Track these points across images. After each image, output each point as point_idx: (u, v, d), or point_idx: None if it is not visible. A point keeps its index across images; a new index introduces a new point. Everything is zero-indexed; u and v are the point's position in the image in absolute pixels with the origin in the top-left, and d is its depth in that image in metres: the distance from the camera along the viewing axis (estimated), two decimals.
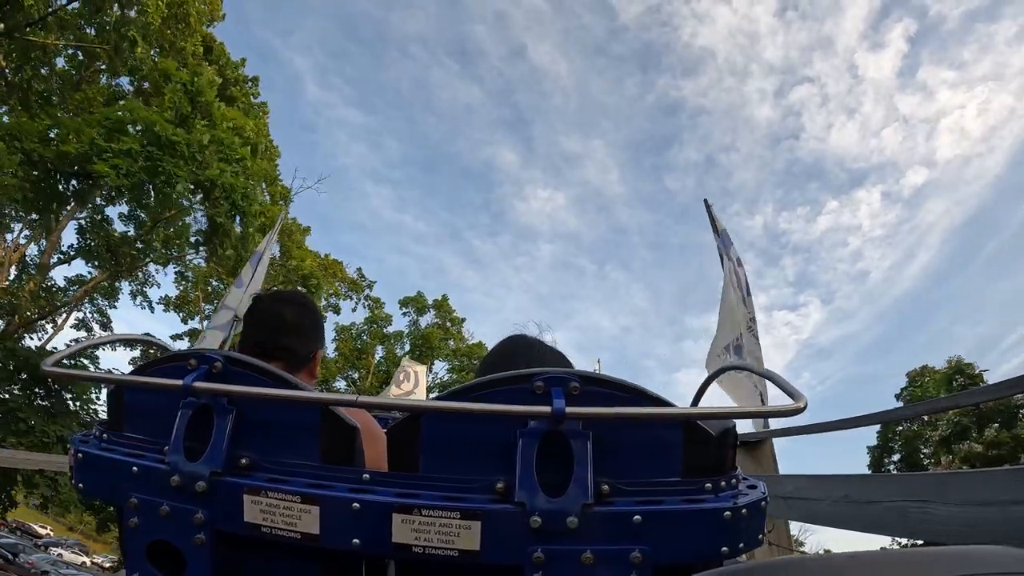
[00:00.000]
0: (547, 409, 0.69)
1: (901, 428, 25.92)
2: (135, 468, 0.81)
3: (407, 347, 25.35)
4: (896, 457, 26.58)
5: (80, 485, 0.88)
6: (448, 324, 26.06)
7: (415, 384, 9.36)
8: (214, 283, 17.83)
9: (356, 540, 0.71)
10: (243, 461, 0.77)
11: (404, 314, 26.43)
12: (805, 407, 0.73)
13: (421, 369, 10.26)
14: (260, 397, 0.79)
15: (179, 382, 0.78)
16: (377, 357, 26.24)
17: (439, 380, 24.15)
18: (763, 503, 0.78)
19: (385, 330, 27.02)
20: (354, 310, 18.95)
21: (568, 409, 0.69)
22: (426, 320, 25.80)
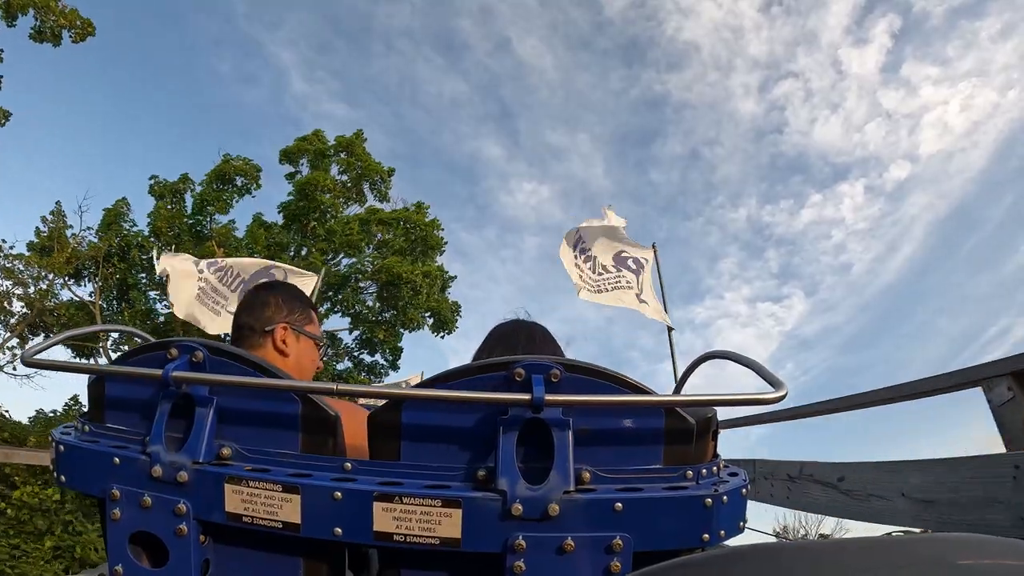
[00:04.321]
0: (527, 397, 0.69)
1: None
2: (116, 459, 0.80)
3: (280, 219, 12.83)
4: None
5: (62, 478, 0.87)
6: (363, 179, 13.37)
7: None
8: None
9: (338, 529, 0.71)
10: (224, 451, 0.77)
11: (290, 177, 13.50)
12: (785, 395, 0.74)
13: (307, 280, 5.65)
14: (238, 385, 0.78)
15: (158, 372, 0.78)
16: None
17: (335, 275, 12.64)
18: (744, 490, 0.79)
19: (251, 191, 12.82)
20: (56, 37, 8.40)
21: (548, 396, 0.69)
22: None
